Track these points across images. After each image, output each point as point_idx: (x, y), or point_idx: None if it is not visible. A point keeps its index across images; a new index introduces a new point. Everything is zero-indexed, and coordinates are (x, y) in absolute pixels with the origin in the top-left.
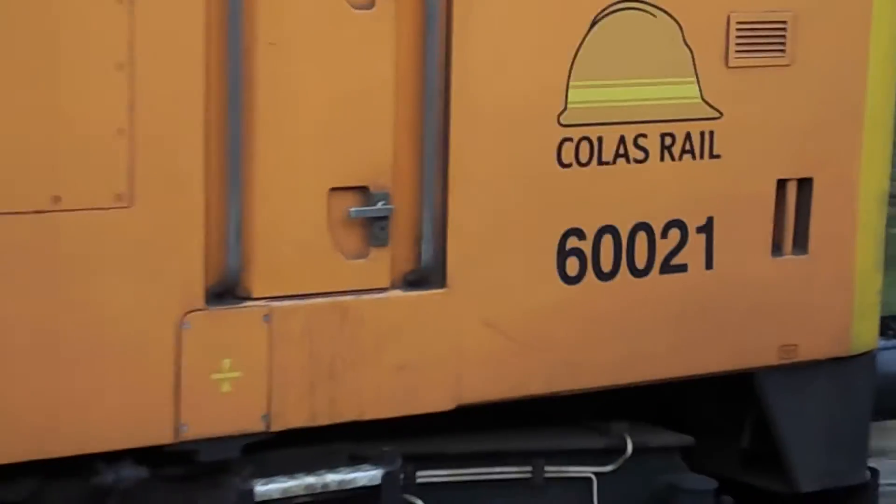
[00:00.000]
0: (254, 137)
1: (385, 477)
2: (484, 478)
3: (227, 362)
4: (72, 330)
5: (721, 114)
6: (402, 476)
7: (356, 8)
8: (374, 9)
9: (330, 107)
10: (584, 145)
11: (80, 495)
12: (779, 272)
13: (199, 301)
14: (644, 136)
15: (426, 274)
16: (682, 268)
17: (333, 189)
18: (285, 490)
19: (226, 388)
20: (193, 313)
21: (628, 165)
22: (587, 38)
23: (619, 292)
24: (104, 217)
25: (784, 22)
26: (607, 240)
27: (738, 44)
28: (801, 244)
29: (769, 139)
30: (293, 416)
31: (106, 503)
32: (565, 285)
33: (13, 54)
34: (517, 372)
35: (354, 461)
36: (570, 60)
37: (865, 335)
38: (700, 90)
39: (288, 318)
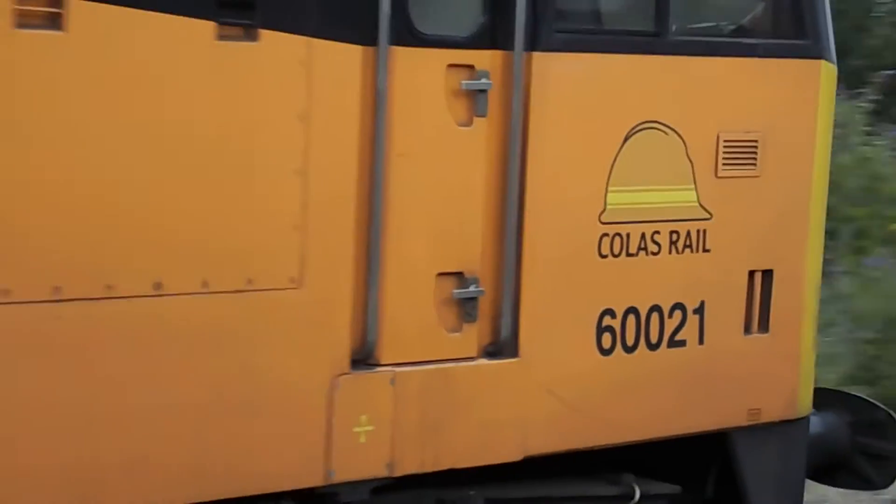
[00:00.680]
0: (386, 231)
1: None
2: None
3: (363, 417)
4: (248, 390)
5: (711, 215)
6: None
7: (459, 125)
8: (472, 126)
9: (438, 205)
10: (617, 240)
11: None
12: (748, 348)
13: (346, 367)
14: (658, 232)
15: (503, 346)
16: (682, 343)
17: (439, 274)
18: None
19: (362, 439)
20: (342, 377)
21: (646, 257)
22: (621, 152)
23: (638, 363)
24: (281, 296)
25: (756, 141)
26: (631, 319)
27: (724, 158)
28: (763, 325)
29: (744, 237)
30: (408, 464)
31: None
32: (601, 357)
33: (218, 160)
34: (566, 429)
35: None
36: (609, 170)
37: (806, 401)
38: (697, 196)
39: (407, 382)
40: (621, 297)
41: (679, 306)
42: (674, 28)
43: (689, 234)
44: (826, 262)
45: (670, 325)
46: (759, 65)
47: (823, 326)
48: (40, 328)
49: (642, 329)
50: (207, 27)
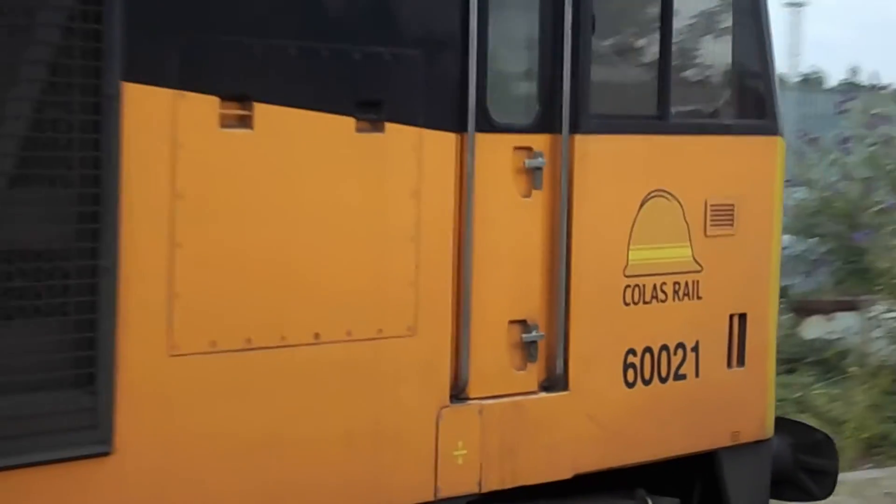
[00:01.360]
0: (473, 284)
1: None
2: None
3: (460, 443)
4: (379, 421)
5: (702, 268)
6: None
7: (522, 196)
8: (531, 198)
9: (508, 263)
10: (636, 290)
11: None
12: (730, 379)
13: (447, 400)
14: (665, 283)
15: (556, 381)
16: (684, 376)
17: (510, 322)
18: None
19: (460, 461)
20: (444, 409)
21: (657, 304)
22: (638, 216)
23: (652, 394)
24: (402, 342)
25: (733, 205)
26: (647, 356)
27: (711, 220)
28: (741, 360)
29: (726, 286)
30: (492, 482)
31: None
32: (627, 388)
33: (357, 231)
34: (603, 451)
35: None
36: (630, 231)
37: (771, 424)
38: (692, 252)
39: (490, 412)
40: (640, 338)
41: (681, 345)
42: (672, 112)
43: (686, 284)
44: None
45: (675, 361)
46: (734, 141)
47: None
48: (234, 372)
49: (655, 365)
50: (350, 122)
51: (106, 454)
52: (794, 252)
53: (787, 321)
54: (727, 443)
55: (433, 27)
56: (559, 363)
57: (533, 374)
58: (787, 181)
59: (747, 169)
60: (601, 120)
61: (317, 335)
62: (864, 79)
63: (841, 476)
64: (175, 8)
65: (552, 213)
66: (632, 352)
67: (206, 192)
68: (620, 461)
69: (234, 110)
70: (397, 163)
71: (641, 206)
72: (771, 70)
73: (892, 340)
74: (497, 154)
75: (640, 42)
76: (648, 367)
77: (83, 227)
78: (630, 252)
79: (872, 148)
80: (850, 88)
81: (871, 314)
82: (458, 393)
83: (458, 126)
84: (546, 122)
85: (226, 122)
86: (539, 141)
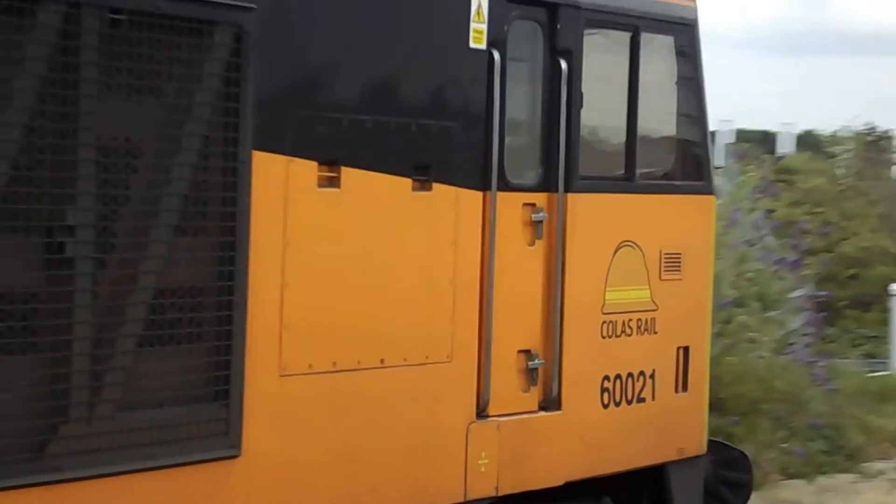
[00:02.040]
0: (493, 321)
1: None
2: None
3: (483, 453)
4: (426, 434)
5: (658, 307)
6: None
7: (528, 245)
8: (534, 246)
9: (517, 301)
10: (611, 325)
11: None
12: (678, 403)
13: (474, 417)
14: (631, 319)
15: (551, 402)
16: (644, 399)
17: (518, 351)
18: None
19: (483, 469)
20: (472, 424)
21: (626, 337)
22: (612, 262)
23: (622, 414)
24: (443, 368)
25: (680, 254)
26: (618, 382)
27: (664, 266)
28: (685, 386)
29: (675, 322)
30: (506, 487)
31: None
32: (603, 410)
33: (412, 275)
34: (587, 462)
35: None
36: (606, 275)
37: (705, 442)
38: (651, 293)
39: (505, 428)
40: (613, 366)
41: (642, 373)
42: (637, 174)
43: (646, 320)
44: None
45: (638, 386)
46: (681, 199)
47: None
48: (324, 390)
49: (623, 389)
50: (408, 182)
51: (235, 457)
52: None
53: None
54: (675, 457)
55: (466, 104)
56: (554, 386)
57: (534, 395)
58: None
59: (691, 223)
60: (587, 181)
61: (382, 360)
62: None
63: None
64: (287, 91)
65: (550, 259)
66: (607, 378)
67: (306, 241)
68: (600, 471)
69: (327, 173)
70: (441, 216)
71: (615, 253)
72: (707, 137)
73: None
74: (511, 209)
75: (613, 114)
76: (619, 391)
77: (223, 269)
78: (606, 293)
79: None
80: None
81: None
82: (481, 411)
83: (484, 185)
84: (546, 182)
85: (321, 183)
86: (541, 198)
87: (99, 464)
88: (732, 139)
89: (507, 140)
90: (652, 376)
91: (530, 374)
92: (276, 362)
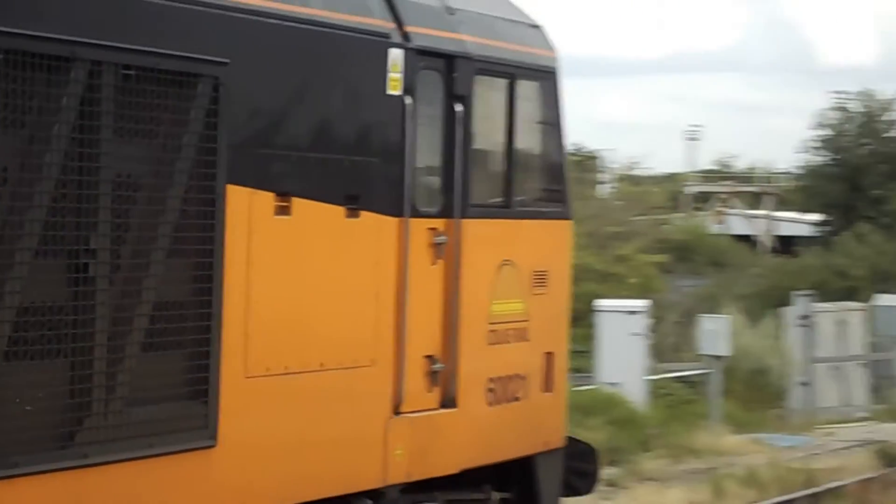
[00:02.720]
0: (407, 330)
1: None
2: None
3: (399, 445)
4: (355, 427)
5: (529, 318)
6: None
7: (432, 265)
8: (436, 265)
9: (425, 313)
10: (495, 334)
11: None
12: (544, 402)
13: (391, 414)
14: (510, 329)
15: (449, 401)
16: (518, 398)
17: (424, 356)
18: None
19: (399, 458)
20: (390, 420)
21: (505, 344)
22: (497, 278)
23: (503, 411)
24: (367, 371)
25: (546, 272)
26: (500, 383)
27: (534, 282)
28: (550, 387)
29: (542, 331)
30: (416, 474)
31: None
32: (488, 408)
33: (347, 292)
34: (477, 452)
35: None
36: (492, 289)
37: (564, 436)
38: (524, 306)
39: (416, 423)
40: (496, 369)
41: (518, 375)
42: (513, 201)
43: (521, 330)
44: None
45: (515, 387)
46: (546, 223)
47: None
48: (280, 390)
49: (504, 390)
50: (342, 210)
51: (212, 447)
52: None
53: None
54: (542, 449)
55: (386, 143)
56: (451, 387)
57: (436, 395)
58: None
59: (553, 244)
60: (476, 208)
61: (322, 364)
62: None
63: None
64: (250, 133)
65: (448, 276)
66: (491, 379)
67: (265, 262)
68: (488, 460)
69: (281, 202)
70: (367, 240)
71: (498, 271)
72: (566, 166)
73: None
74: (419, 233)
75: (494, 149)
76: (500, 391)
77: (203, 286)
78: (492, 305)
79: None
80: None
81: None
82: (396, 409)
83: (399, 212)
84: (445, 209)
85: (277, 211)
86: (441, 223)
87: (115, 451)
88: None
89: (416, 173)
90: (524, 378)
91: (433, 377)
92: (243, 366)
